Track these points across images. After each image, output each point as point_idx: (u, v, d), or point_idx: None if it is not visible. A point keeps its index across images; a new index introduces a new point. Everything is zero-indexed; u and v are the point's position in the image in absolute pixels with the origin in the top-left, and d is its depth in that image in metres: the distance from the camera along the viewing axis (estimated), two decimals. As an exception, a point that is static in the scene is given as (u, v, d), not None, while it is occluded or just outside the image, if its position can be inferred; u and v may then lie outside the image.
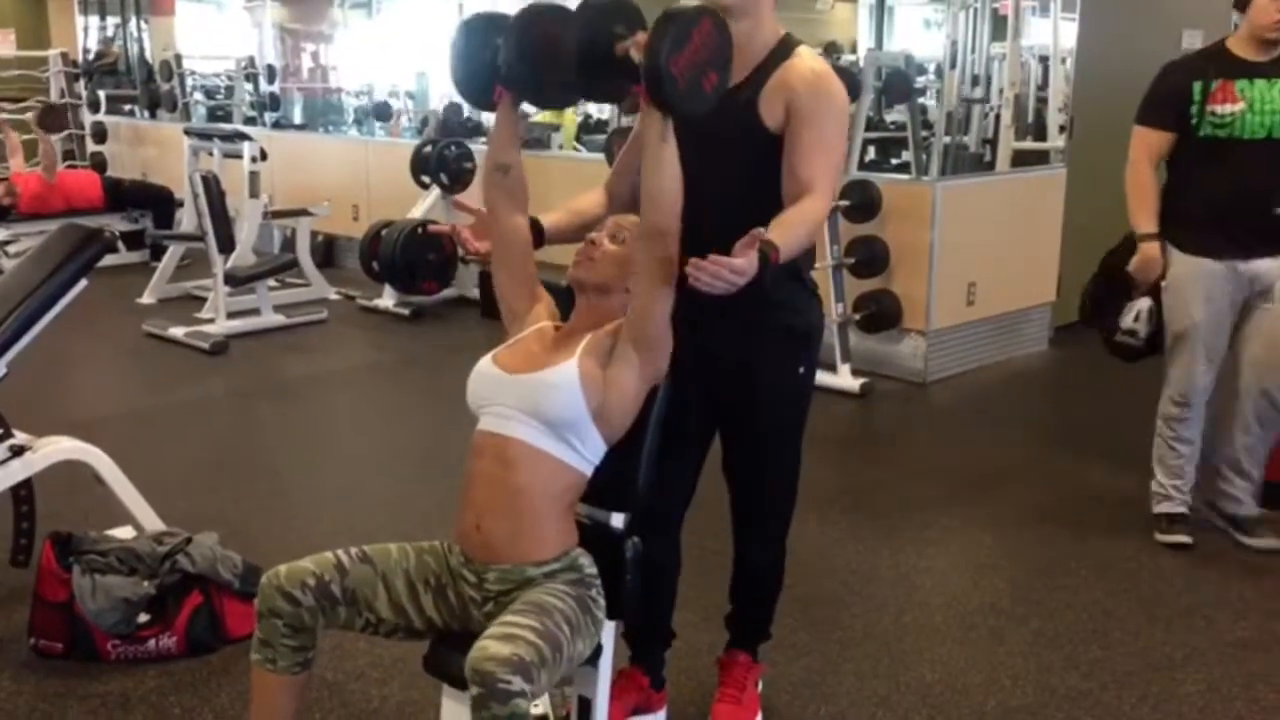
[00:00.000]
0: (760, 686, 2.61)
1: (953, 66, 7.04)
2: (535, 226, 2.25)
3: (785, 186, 2.14)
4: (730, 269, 1.85)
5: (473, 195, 4.88)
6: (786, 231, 2.03)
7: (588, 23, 1.91)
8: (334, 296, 6.96)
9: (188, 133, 7.26)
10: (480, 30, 2.13)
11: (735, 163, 2.08)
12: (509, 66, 2.06)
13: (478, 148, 7.03)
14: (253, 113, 9.66)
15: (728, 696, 2.54)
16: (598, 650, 2.07)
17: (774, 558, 2.51)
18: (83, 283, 3.10)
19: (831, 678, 2.74)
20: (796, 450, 2.42)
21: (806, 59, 2.21)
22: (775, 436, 2.38)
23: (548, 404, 1.97)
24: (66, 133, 9.92)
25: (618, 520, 2.13)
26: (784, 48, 2.22)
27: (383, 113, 9.30)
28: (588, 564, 2.02)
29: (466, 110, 7.57)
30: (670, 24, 1.81)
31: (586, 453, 2.01)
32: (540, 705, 2.47)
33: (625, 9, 1.95)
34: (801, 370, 2.34)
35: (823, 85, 2.17)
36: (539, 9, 2.08)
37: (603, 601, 2.03)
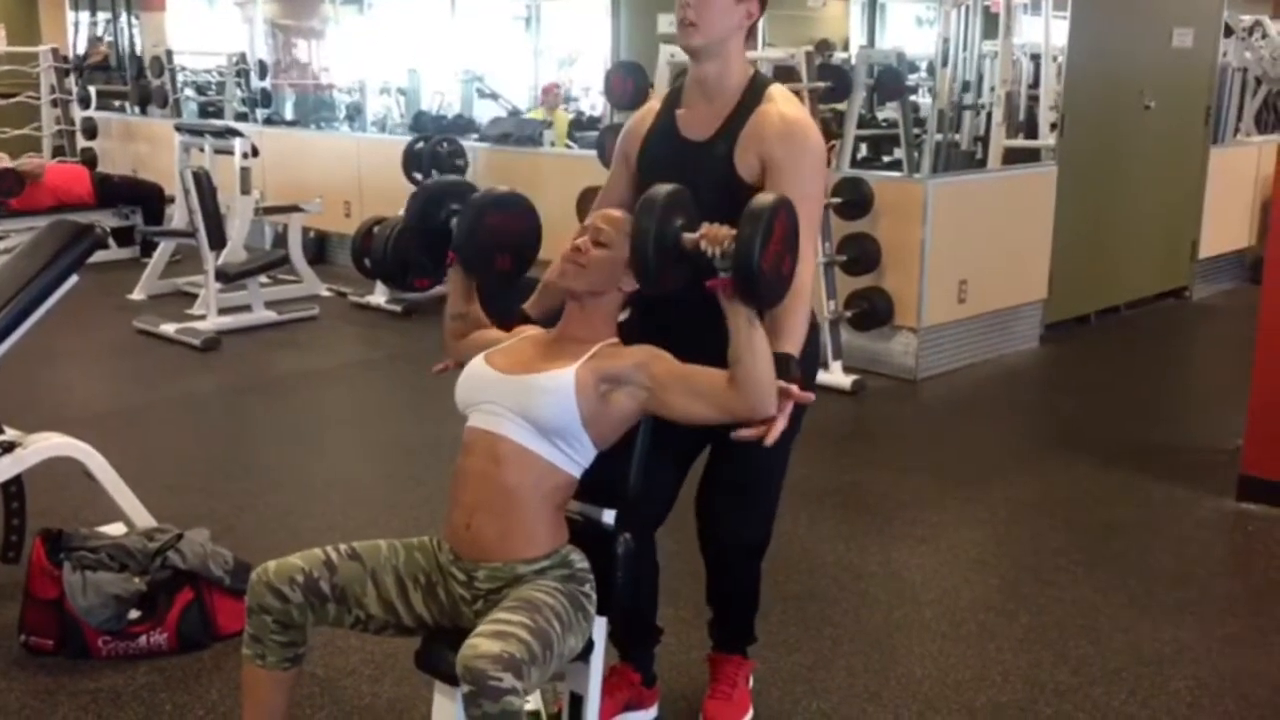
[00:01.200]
0: (751, 683, 2.62)
1: (945, 64, 7.07)
2: (525, 319, 2.30)
3: None
4: (775, 434, 1.92)
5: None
6: (790, 328, 2.05)
7: (655, 218, 1.91)
8: (325, 293, 6.94)
9: (178, 129, 7.23)
10: (438, 195, 2.30)
11: (716, 216, 1.96)
12: (459, 249, 2.21)
13: (469, 144, 7.04)
14: (244, 109, 9.63)
15: (719, 693, 2.54)
16: (589, 646, 2.07)
17: (748, 579, 2.50)
18: (73, 279, 3.10)
19: (822, 673, 2.75)
20: (783, 467, 2.39)
21: (778, 103, 2.19)
22: (763, 457, 2.35)
23: (539, 408, 1.97)
24: (56, 129, 9.89)
25: (609, 517, 2.14)
26: (754, 90, 2.21)
27: (353, 115, 9.33)
28: (579, 560, 2.02)
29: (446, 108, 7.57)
30: (758, 223, 1.81)
31: (577, 456, 2.01)
32: (532, 701, 2.47)
33: (684, 201, 1.96)
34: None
35: (796, 134, 2.16)
36: (495, 200, 2.23)
37: (594, 597, 2.03)
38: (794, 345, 2.05)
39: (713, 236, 1.86)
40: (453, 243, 2.21)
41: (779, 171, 2.14)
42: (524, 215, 2.26)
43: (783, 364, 1.95)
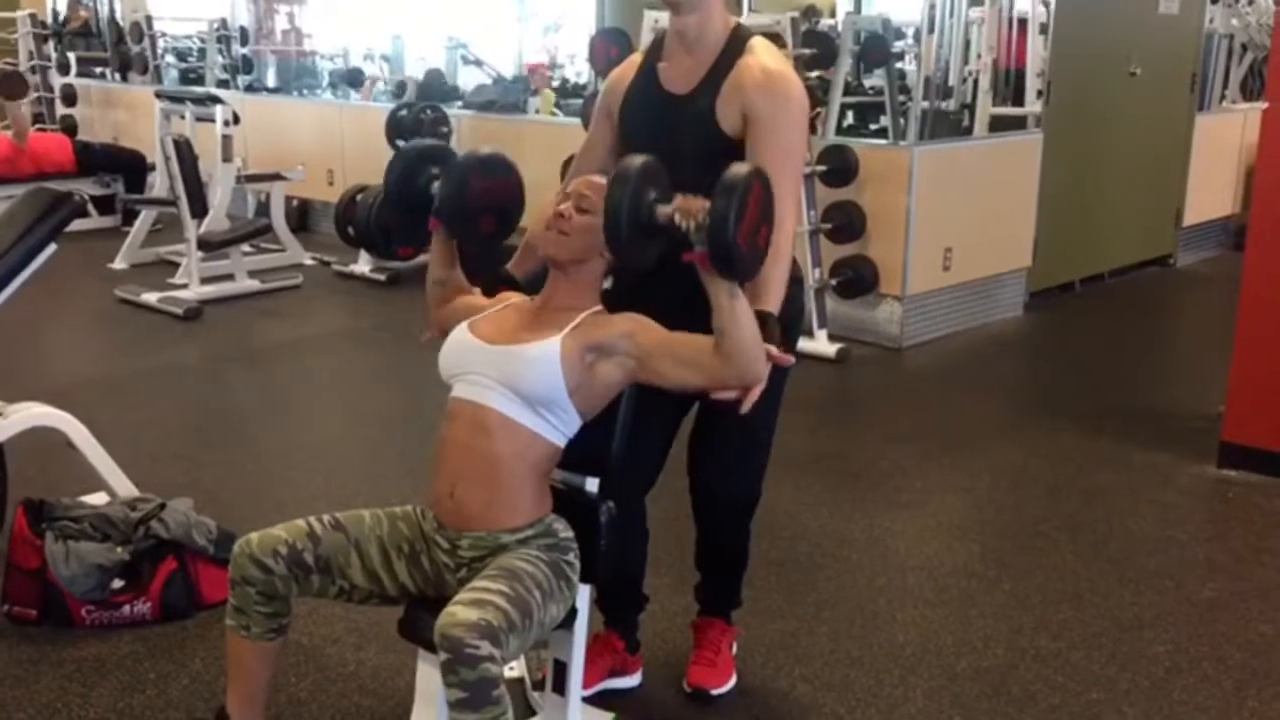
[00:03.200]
0: (735, 649, 2.64)
1: (931, 31, 7.03)
2: (510, 281, 2.28)
3: None
4: (759, 389, 1.92)
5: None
6: (769, 288, 2.04)
7: (628, 189, 1.88)
8: (309, 262, 6.90)
9: (159, 96, 7.16)
10: (418, 159, 2.25)
11: (698, 170, 1.96)
12: (443, 211, 2.17)
13: (454, 112, 6.99)
14: (225, 76, 9.53)
15: (703, 659, 2.56)
16: (573, 614, 2.08)
17: (737, 538, 2.52)
18: (52, 247, 3.07)
19: (805, 640, 2.77)
20: (773, 422, 2.40)
21: (760, 55, 2.18)
22: (754, 415, 2.36)
23: (525, 378, 1.96)
24: (35, 96, 9.77)
25: (592, 485, 2.14)
26: (735, 43, 2.20)
27: (355, 79, 9.20)
28: (562, 529, 2.03)
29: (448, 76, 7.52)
30: (732, 196, 1.79)
31: (561, 425, 2.00)
32: (516, 668, 2.49)
33: (657, 174, 1.93)
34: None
35: (778, 87, 2.15)
36: (480, 160, 2.19)
37: (577, 565, 2.03)
38: (773, 303, 2.04)
39: (687, 210, 1.84)
40: (436, 208, 2.19)
41: (760, 124, 2.12)
42: (508, 177, 2.23)
43: (761, 322, 1.93)
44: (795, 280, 2.23)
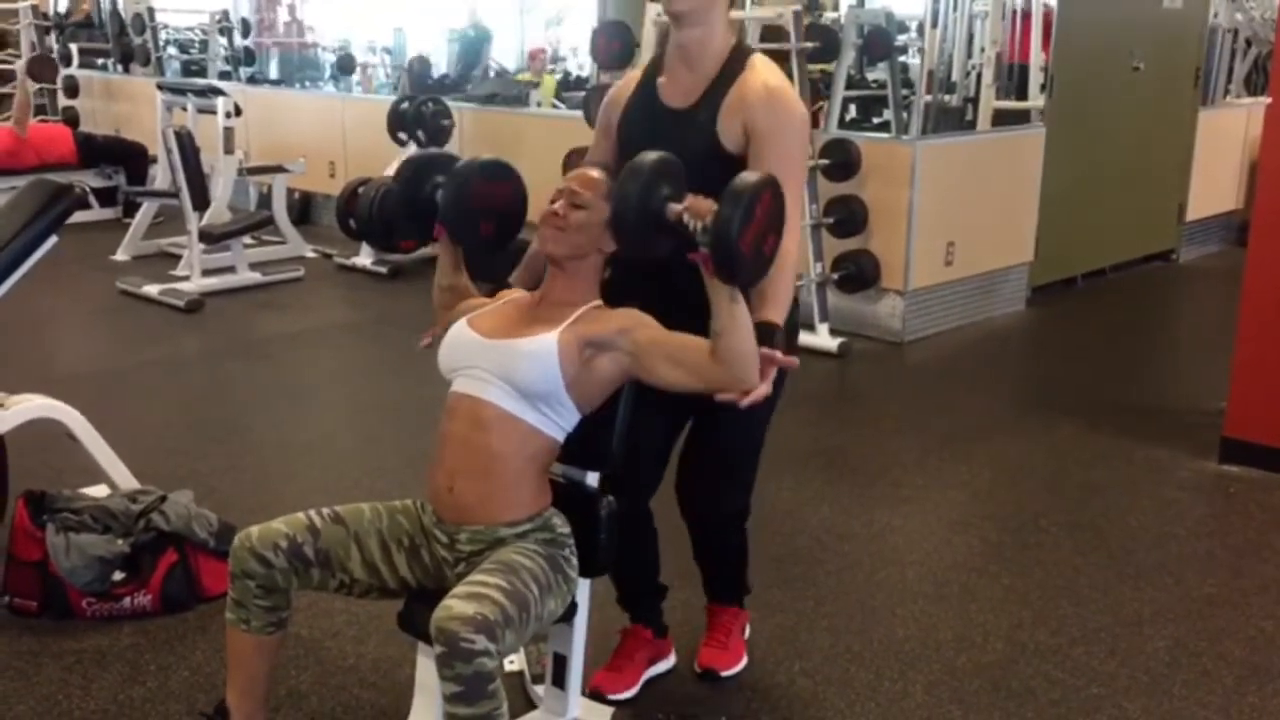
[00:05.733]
0: (747, 634, 2.66)
1: (934, 24, 7.01)
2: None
3: None
4: (756, 398, 1.91)
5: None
6: (774, 298, 2.05)
7: (639, 183, 1.89)
8: (310, 254, 6.90)
9: (161, 87, 7.15)
10: (423, 168, 2.27)
11: (697, 185, 1.96)
12: (444, 216, 2.19)
13: (454, 104, 6.97)
14: (227, 67, 9.52)
15: (714, 642, 2.58)
16: (572, 608, 2.08)
17: (731, 544, 2.53)
18: (53, 239, 3.07)
19: (805, 634, 2.77)
20: (760, 441, 2.40)
21: (761, 72, 2.18)
22: (742, 434, 2.36)
23: (523, 373, 1.96)
24: (38, 87, 9.77)
25: (592, 479, 2.14)
26: (736, 59, 2.20)
27: (346, 65, 9.18)
28: (560, 524, 2.03)
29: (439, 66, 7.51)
30: (739, 201, 1.79)
31: (560, 420, 2.01)
32: (516, 662, 2.50)
33: (672, 168, 1.93)
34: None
35: (779, 103, 2.15)
36: (480, 166, 2.21)
37: (576, 560, 2.03)
38: (778, 314, 2.05)
39: (696, 209, 1.84)
40: (439, 214, 2.20)
41: (763, 139, 2.13)
42: (508, 182, 2.25)
43: (765, 333, 1.95)
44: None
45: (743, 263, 1.82)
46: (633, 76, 2.38)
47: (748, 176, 1.85)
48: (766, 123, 2.12)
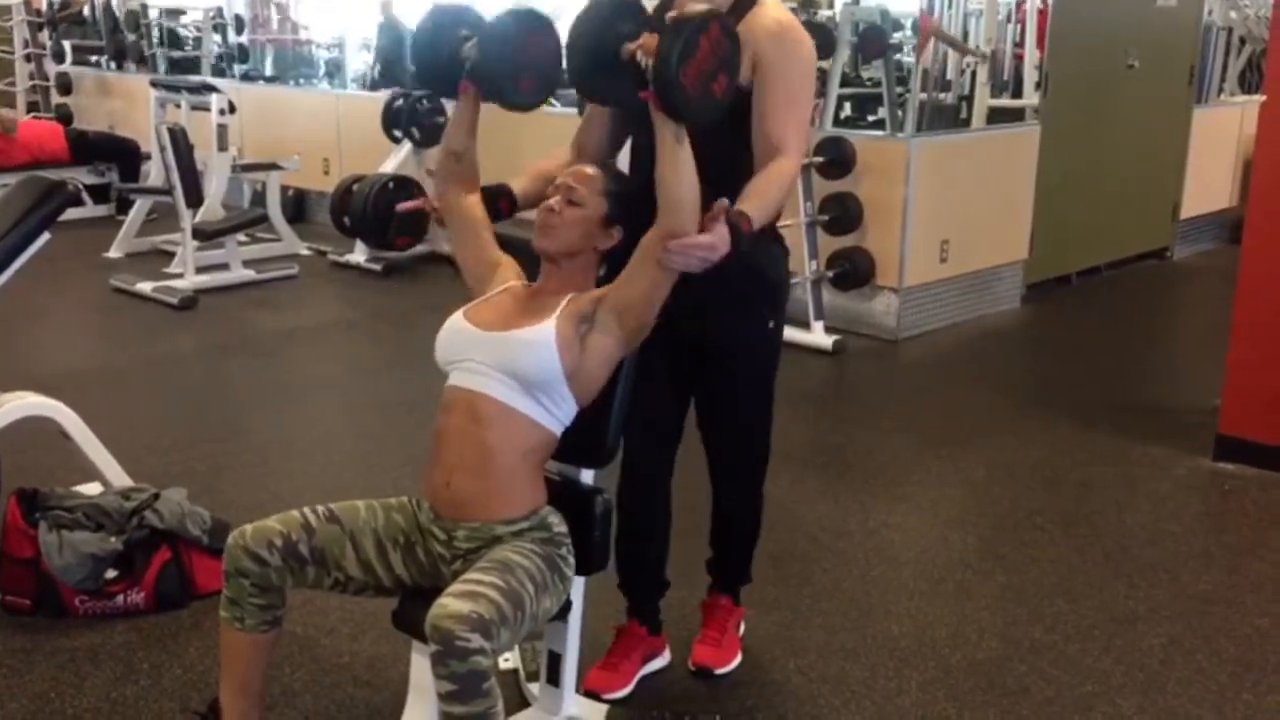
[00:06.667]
0: (742, 630, 2.65)
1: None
2: (508, 195, 2.25)
3: (756, 146, 2.12)
4: (701, 248, 1.86)
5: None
6: (759, 200, 2.03)
7: (593, 22, 1.86)
8: (305, 251, 6.89)
9: (154, 84, 7.13)
10: (448, 21, 2.14)
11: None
12: (483, 69, 2.05)
13: (450, 102, 6.95)
14: (221, 64, 9.50)
15: (709, 638, 2.58)
16: (567, 606, 2.08)
17: (749, 505, 2.55)
18: (45, 236, 3.06)
19: (801, 631, 2.77)
20: (768, 402, 2.43)
21: (771, 9, 2.18)
22: (745, 389, 2.39)
23: (522, 363, 1.96)
24: (31, 84, 9.74)
25: (587, 476, 2.14)
26: None
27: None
28: (556, 522, 2.02)
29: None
30: (679, 32, 1.77)
31: (558, 412, 2.00)
32: (511, 659, 2.49)
33: (631, 7, 1.91)
34: (771, 325, 2.34)
35: (789, 36, 2.15)
36: (522, 16, 2.08)
37: (571, 559, 2.03)
38: (756, 214, 2.01)
39: (648, 47, 1.83)
40: (471, 70, 2.08)
41: (768, 70, 2.12)
42: (547, 34, 2.11)
43: (735, 220, 1.91)
44: (778, 240, 2.28)
45: (685, 97, 1.78)
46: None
47: (694, 7, 1.82)
48: (773, 54, 2.12)
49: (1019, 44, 7.28)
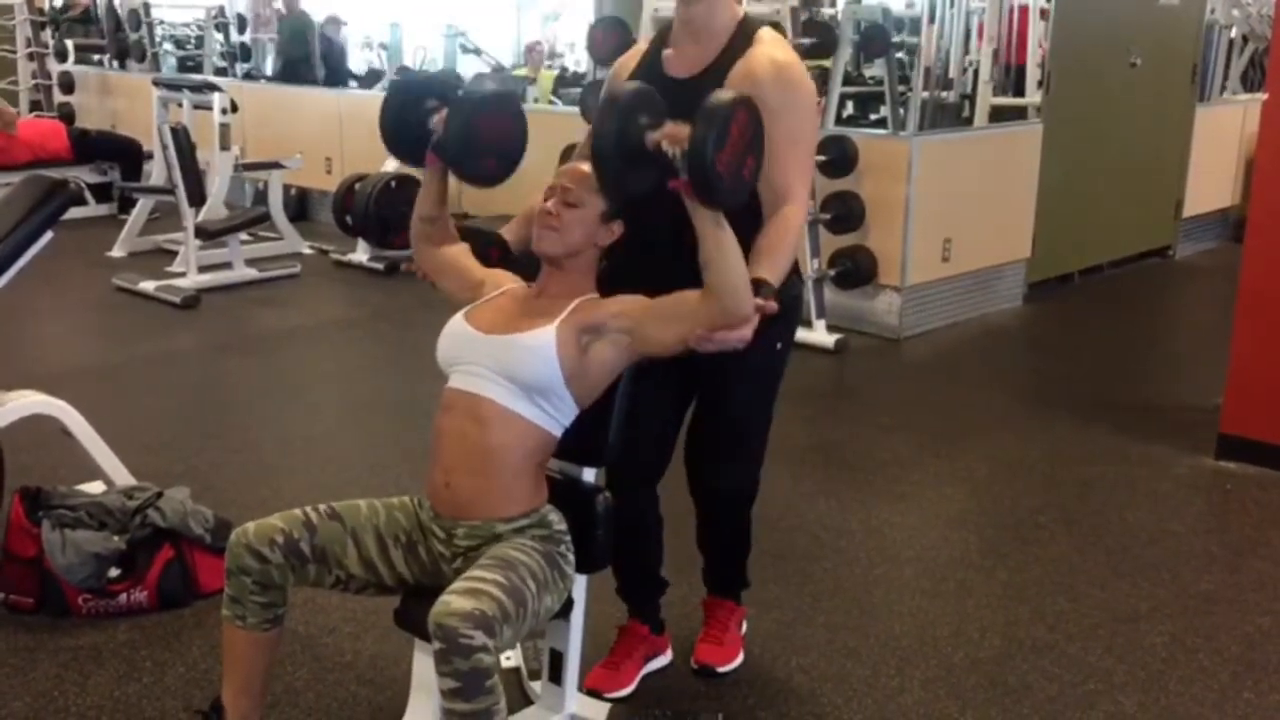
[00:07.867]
0: (744, 629, 2.65)
1: (931, 20, 7.02)
2: (499, 243, 2.27)
3: (762, 194, 2.10)
4: (734, 339, 1.87)
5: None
6: (773, 259, 2.03)
7: (617, 116, 1.86)
8: (307, 251, 6.89)
9: (157, 83, 7.13)
10: (415, 91, 2.16)
11: None
12: (447, 146, 2.07)
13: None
14: (223, 63, 9.51)
15: (710, 637, 2.58)
16: (569, 604, 2.08)
17: (735, 523, 2.53)
18: (48, 235, 3.06)
19: (802, 630, 2.77)
20: (764, 425, 2.41)
21: (769, 47, 2.17)
22: (745, 409, 2.37)
23: (522, 367, 1.96)
24: (33, 83, 9.75)
25: (589, 475, 2.14)
26: (744, 33, 2.19)
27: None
28: (557, 520, 2.02)
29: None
30: (712, 122, 1.76)
31: (558, 415, 2.00)
32: (512, 658, 2.50)
33: (649, 100, 1.91)
34: (779, 346, 2.33)
35: (789, 77, 2.14)
36: (488, 99, 2.10)
37: (572, 557, 2.03)
38: (771, 271, 2.02)
39: (673, 136, 1.83)
40: (438, 142, 2.10)
41: (771, 115, 2.10)
42: (513, 117, 2.14)
43: (754, 286, 1.91)
44: (794, 267, 2.24)
45: (721, 183, 1.79)
46: (638, 49, 2.36)
47: (721, 94, 1.82)
48: (775, 98, 2.09)
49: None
